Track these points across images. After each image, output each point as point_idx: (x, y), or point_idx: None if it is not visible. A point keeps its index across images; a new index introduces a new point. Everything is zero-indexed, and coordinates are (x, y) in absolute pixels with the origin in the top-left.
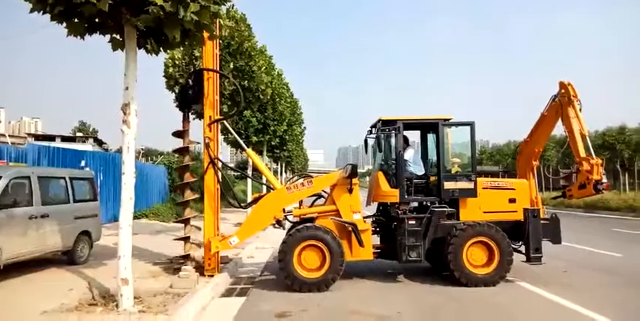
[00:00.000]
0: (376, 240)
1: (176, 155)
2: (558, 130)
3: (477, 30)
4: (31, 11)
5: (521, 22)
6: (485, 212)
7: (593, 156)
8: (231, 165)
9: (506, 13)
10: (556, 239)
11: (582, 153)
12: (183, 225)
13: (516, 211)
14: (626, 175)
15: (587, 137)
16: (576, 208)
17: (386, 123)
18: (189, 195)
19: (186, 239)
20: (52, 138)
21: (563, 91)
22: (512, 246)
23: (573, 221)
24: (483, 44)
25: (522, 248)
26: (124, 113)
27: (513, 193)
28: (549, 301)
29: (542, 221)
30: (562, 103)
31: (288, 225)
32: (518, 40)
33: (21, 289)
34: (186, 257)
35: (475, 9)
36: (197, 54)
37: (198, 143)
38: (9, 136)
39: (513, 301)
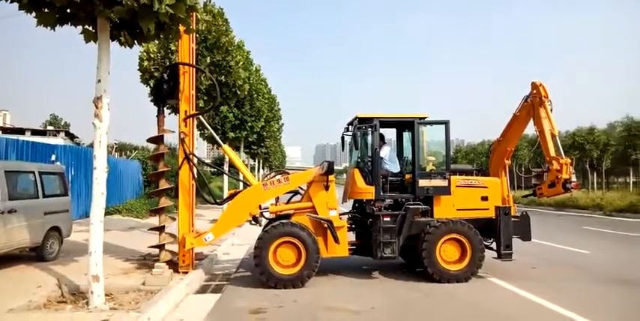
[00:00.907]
0: (352, 237)
1: (151, 146)
2: (530, 129)
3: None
4: None
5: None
6: (458, 210)
7: (563, 155)
8: (208, 161)
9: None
10: (526, 236)
11: (552, 152)
12: (157, 216)
13: (488, 209)
14: (595, 175)
15: (558, 137)
16: (547, 206)
17: (362, 120)
18: (163, 184)
19: (160, 229)
20: (21, 131)
21: (534, 91)
22: (484, 243)
23: (544, 219)
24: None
25: (494, 245)
26: (96, 107)
27: (486, 191)
28: (518, 296)
29: (513, 219)
30: (534, 103)
31: (264, 221)
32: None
33: None
34: (161, 247)
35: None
36: (173, 48)
37: (173, 132)
38: None
39: (484, 296)
